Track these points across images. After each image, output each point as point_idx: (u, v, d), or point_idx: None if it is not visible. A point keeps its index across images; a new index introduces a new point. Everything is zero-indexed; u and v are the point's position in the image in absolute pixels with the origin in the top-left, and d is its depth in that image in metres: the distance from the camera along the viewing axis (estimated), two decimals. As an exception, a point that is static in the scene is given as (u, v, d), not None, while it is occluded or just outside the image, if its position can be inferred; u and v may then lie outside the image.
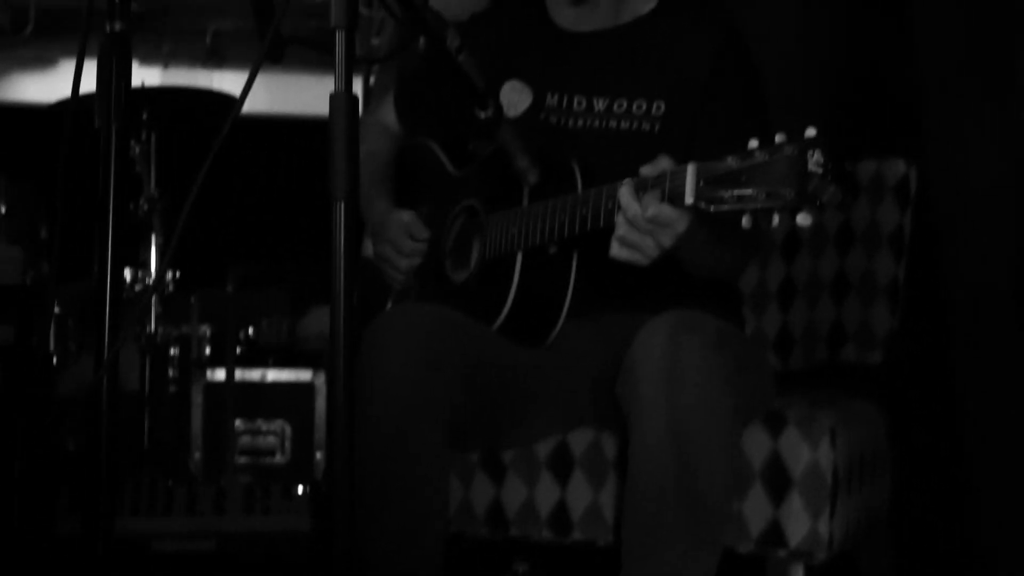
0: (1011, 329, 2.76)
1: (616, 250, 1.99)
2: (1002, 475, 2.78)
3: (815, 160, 1.77)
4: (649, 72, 2.34)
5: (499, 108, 2.11)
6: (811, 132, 1.79)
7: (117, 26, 1.84)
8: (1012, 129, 2.68)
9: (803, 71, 3.10)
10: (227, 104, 3.75)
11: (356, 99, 1.64)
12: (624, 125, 2.33)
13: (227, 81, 7.56)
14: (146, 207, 3.59)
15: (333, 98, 1.63)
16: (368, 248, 2.58)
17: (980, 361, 2.78)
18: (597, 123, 2.35)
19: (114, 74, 1.83)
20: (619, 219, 1.98)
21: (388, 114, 2.66)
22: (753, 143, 1.84)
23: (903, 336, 2.56)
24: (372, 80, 3.40)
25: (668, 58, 2.34)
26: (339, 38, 1.63)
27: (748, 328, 2.65)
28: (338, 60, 1.63)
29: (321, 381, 3.53)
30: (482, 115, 2.11)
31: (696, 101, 2.29)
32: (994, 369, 2.76)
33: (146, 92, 3.71)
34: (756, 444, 2.17)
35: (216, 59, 7.11)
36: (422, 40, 2.06)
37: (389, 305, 2.51)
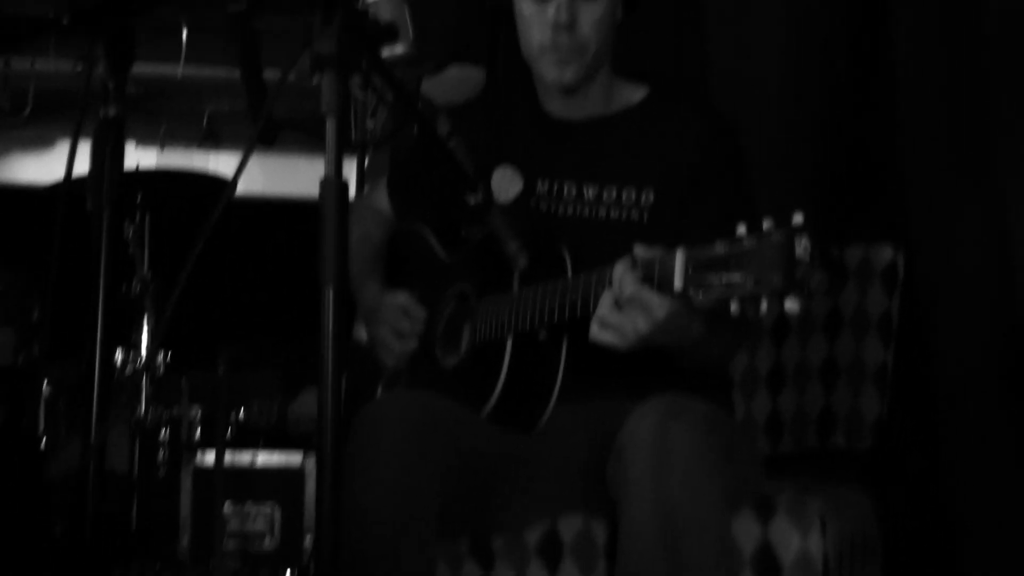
0: (997, 413, 2.76)
1: (596, 332, 2.01)
2: (992, 560, 2.77)
3: (802, 246, 1.79)
4: (639, 161, 2.36)
5: (489, 193, 2.13)
6: (798, 218, 1.80)
7: (111, 111, 1.86)
8: (994, 215, 2.70)
9: (790, 158, 3.14)
10: (220, 187, 3.78)
11: (346, 185, 1.66)
12: (614, 214, 2.35)
13: (223, 162, 7.61)
14: (138, 288, 3.60)
15: (323, 184, 1.65)
16: (359, 332, 2.58)
17: (968, 446, 2.78)
18: (587, 211, 2.37)
19: (107, 159, 1.85)
20: (602, 300, 1.99)
21: (381, 198, 2.68)
22: (741, 229, 1.85)
23: (892, 421, 2.56)
24: (366, 163, 3.43)
25: (658, 147, 2.36)
26: (330, 124, 1.65)
27: (738, 413, 2.65)
28: (329, 146, 1.65)
29: (311, 464, 3.51)
30: (472, 200, 2.12)
31: (685, 190, 2.31)
32: (981, 454, 2.76)
33: (140, 175, 3.73)
34: (746, 532, 2.16)
35: (212, 140, 7.17)
36: (415, 126, 2.08)
37: (380, 390, 2.51)
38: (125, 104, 1.86)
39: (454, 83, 3.73)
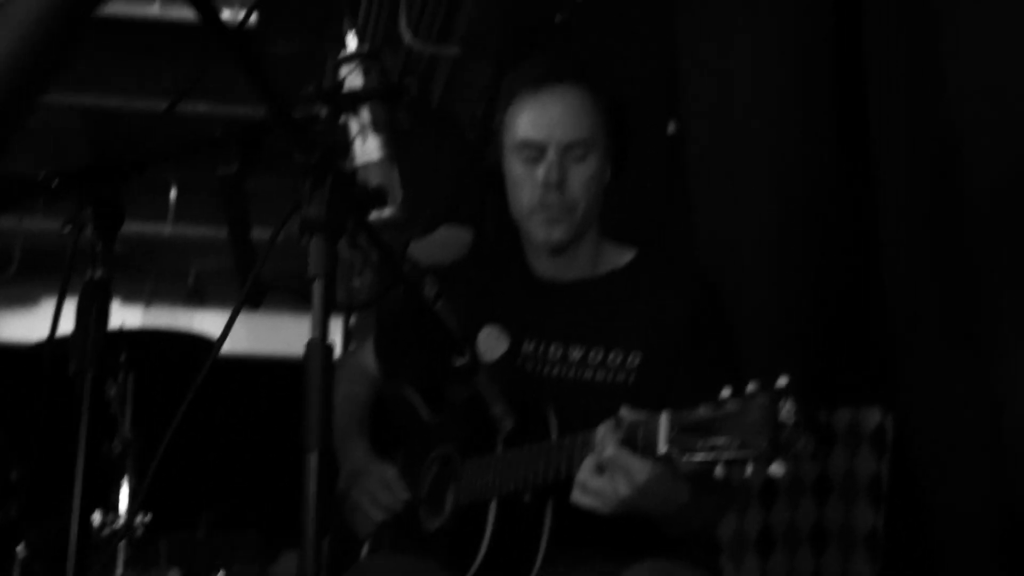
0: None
1: (577, 496, 2.00)
2: None
3: (787, 409, 1.78)
4: (626, 324, 2.36)
5: (475, 355, 2.12)
6: (782, 381, 1.80)
7: (98, 273, 1.85)
8: (983, 380, 2.69)
9: (777, 320, 3.14)
10: (205, 347, 3.76)
11: (332, 349, 1.64)
12: (600, 376, 2.34)
13: (208, 320, 7.63)
14: (120, 448, 3.56)
15: (309, 347, 1.63)
16: (340, 490, 2.55)
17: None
18: (573, 372, 2.37)
19: (92, 321, 1.84)
20: (584, 464, 1.98)
21: (367, 357, 2.67)
22: (725, 392, 1.86)
23: (884, 587, 2.53)
24: (352, 321, 3.44)
25: (645, 311, 2.36)
26: (317, 287, 1.65)
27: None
28: (316, 309, 1.64)
29: (292, 629, 3.44)
30: (458, 362, 2.11)
31: (672, 354, 2.31)
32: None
33: (124, 334, 3.72)
34: None
35: (198, 298, 7.21)
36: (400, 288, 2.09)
37: (365, 549, 2.47)
38: (112, 267, 1.86)
39: (442, 243, 3.76)
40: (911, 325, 2.90)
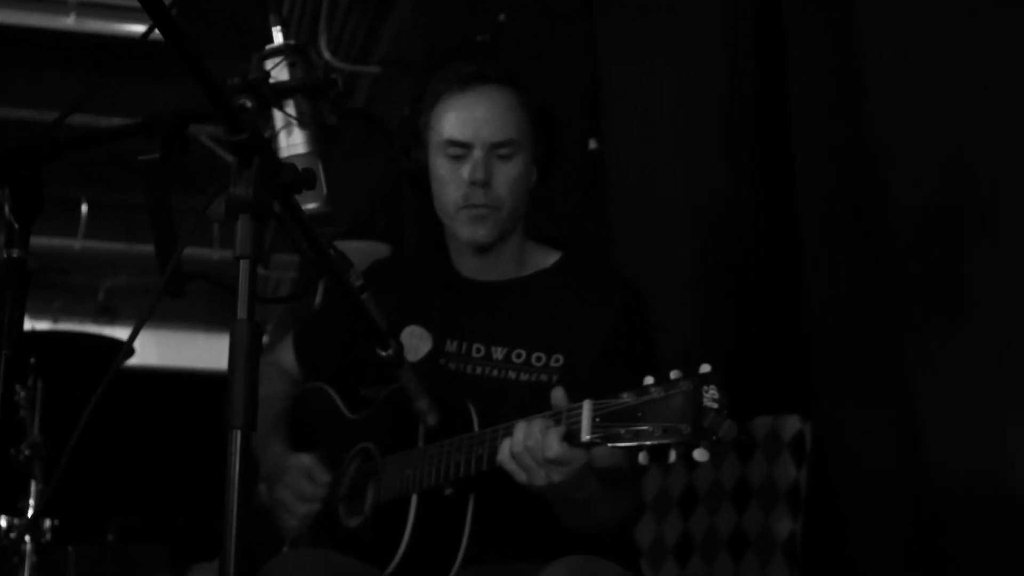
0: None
1: (505, 456, 1.99)
2: None
3: (710, 395, 1.79)
4: (549, 325, 2.36)
5: (400, 347, 2.10)
6: (705, 368, 1.82)
7: (15, 253, 1.81)
8: (901, 390, 2.72)
9: (697, 330, 3.16)
10: (115, 349, 3.69)
11: (259, 328, 1.62)
12: (523, 376, 2.33)
13: (119, 337, 7.53)
14: (27, 453, 3.48)
15: (236, 326, 1.60)
16: (261, 495, 2.51)
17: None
18: (495, 372, 2.36)
19: (9, 301, 1.80)
20: (517, 434, 1.97)
21: (287, 356, 2.64)
22: (649, 379, 1.86)
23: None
24: (269, 329, 3.40)
25: (569, 313, 2.36)
26: (243, 267, 1.62)
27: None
28: (242, 289, 1.61)
29: (201, 639, 3.38)
30: (383, 354, 2.09)
31: (595, 356, 2.31)
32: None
33: (34, 336, 3.65)
34: None
35: (108, 315, 7.09)
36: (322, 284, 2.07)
37: (285, 550, 2.43)
38: (28, 249, 1.82)
39: (360, 256, 3.74)
40: (830, 335, 2.93)
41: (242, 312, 1.61)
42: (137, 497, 4.85)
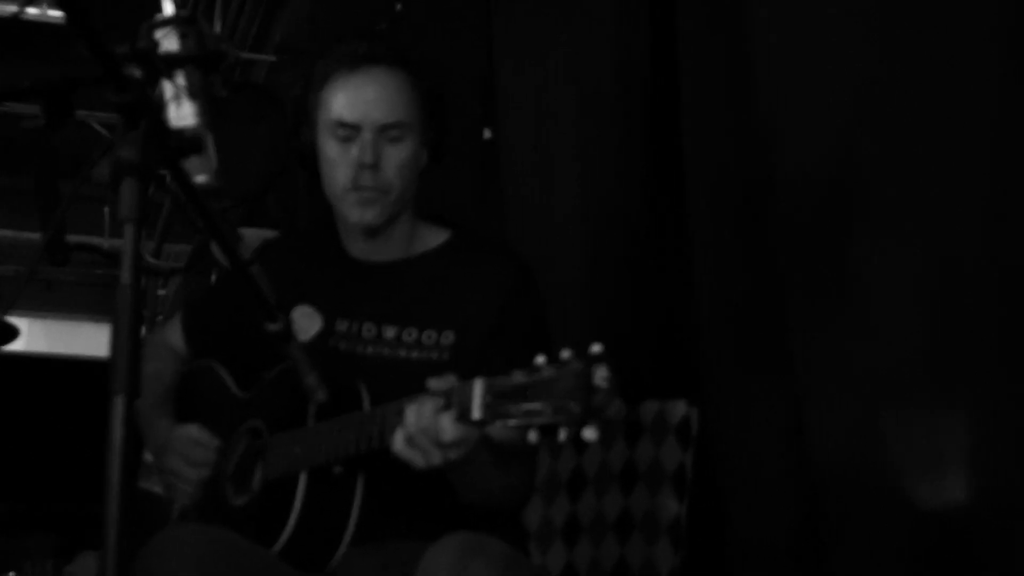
0: (786, 571, 2.79)
1: (400, 445, 1.98)
2: None
3: (600, 375, 1.80)
4: (439, 303, 2.36)
5: (289, 321, 2.09)
6: (596, 348, 1.82)
7: None
8: (787, 378, 2.77)
9: (586, 316, 3.18)
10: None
11: (142, 293, 1.60)
12: (414, 355, 2.33)
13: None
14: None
15: (119, 290, 1.59)
16: (146, 482, 2.48)
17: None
18: (387, 351, 2.35)
19: None
20: (408, 418, 1.96)
21: (174, 335, 2.61)
22: (540, 359, 1.86)
23: (686, 574, 2.56)
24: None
25: (459, 290, 2.36)
26: (128, 231, 1.60)
27: (530, 555, 2.61)
28: (126, 252, 1.60)
29: (84, 625, 3.33)
30: (272, 328, 2.08)
31: (485, 332, 2.31)
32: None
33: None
34: (541, 674, 2.12)
35: (-6, 304, 6.94)
36: (215, 250, 2.05)
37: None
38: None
39: (252, 243, 3.71)
40: (718, 321, 2.96)
41: (125, 277, 1.60)
42: (22, 484, 4.76)
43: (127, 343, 1.57)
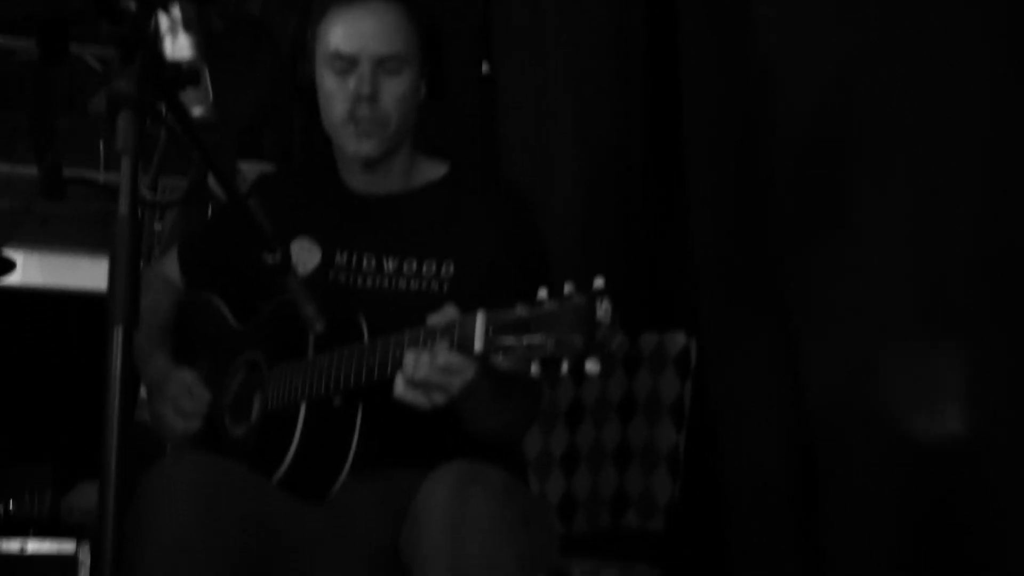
0: (779, 503, 2.81)
1: (401, 390, 1.98)
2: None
3: (603, 309, 1.80)
4: (439, 234, 2.36)
5: (287, 253, 2.08)
6: (599, 282, 1.82)
7: None
8: (782, 308, 2.78)
9: (583, 246, 3.18)
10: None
11: (141, 224, 1.60)
12: (413, 286, 2.33)
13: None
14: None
15: (118, 221, 1.59)
16: (142, 414, 2.49)
17: (752, 532, 2.82)
18: (386, 283, 2.35)
19: None
20: (407, 361, 1.97)
21: (171, 268, 2.61)
22: (542, 293, 1.87)
23: (683, 504, 2.58)
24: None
25: (458, 221, 2.36)
26: (125, 163, 1.60)
27: (528, 483, 2.63)
28: (124, 183, 1.59)
29: (85, 553, 3.36)
30: (270, 260, 2.07)
31: (485, 264, 2.31)
32: (764, 540, 2.81)
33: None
34: (540, 602, 2.14)
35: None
36: (211, 183, 2.04)
37: None
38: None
39: (247, 178, 3.70)
40: (715, 255, 2.97)
41: (124, 208, 1.60)
42: (19, 416, 4.78)
43: (126, 274, 1.57)
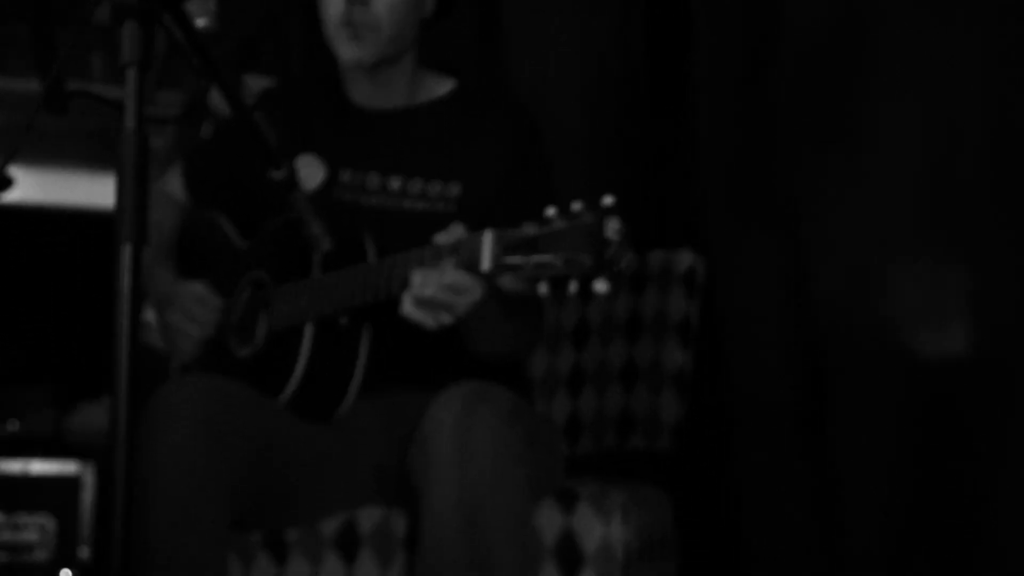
0: (786, 422, 2.81)
1: (409, 308, 1.96)
2: (773, 560, 2.82)
3: (612, 227, 1.78)
4: (445, 154, 2.33)
5: (292, 169, 2.05)
6: (608, 200, 1.80)
7: None
8: (789, 225, 2.76)
9: (588, 166, 3.15)
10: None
11: (147, 139, 1.57)
12: (419, 206, 2.31)
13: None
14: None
15: (124, 137, 1.56)
16: (148, 336, 2.47)
17: (759, 452, 2.83)
18: (391, 202, 2.32)
19: None
20: (415, 279, 1.94)
21: (174, 184, 2.58)
22: (551, 210, 1.84)
23: (690, 423, 2.57)
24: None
25: (465, 141, 2.33)
26: (130, 75, 1.57)
27: (534, 402, 2.62)
28: (129, 97, 1.56)
29: (89, 474, 3.35)
30: (275, 176, 2.04)
31: (492, 184, 2.28)
32: (772, 459, 2.81)
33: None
34: (549, 521, 2.14)
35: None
36: (213, 99, 2.01)
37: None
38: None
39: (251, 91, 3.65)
40: (721, 171, 2.95)
41: (130, 122, 1.57)
42: (18, 337, 4.75)
43: (133, 191, 1.55)
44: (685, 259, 2.64)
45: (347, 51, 2.29)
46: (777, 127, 2.81)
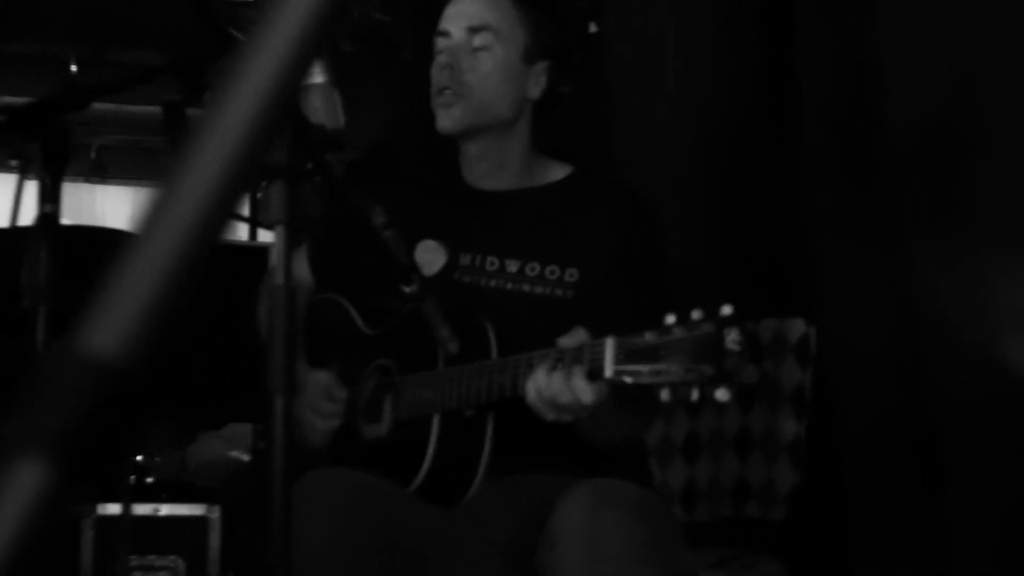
0: (901, 490, 2.83)
1: (533, 398, 2.04)
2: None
3: (732, 338, 1.83)
4: (561, 239, 2.37)
5: (424, 283, 2.13)
6: (727, 310, 1.84)
7: (47, 208, 1.84)
8: (901, 291, 2.78)
9: (702, 238, 3.18)
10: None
11: (295, 292, 1.66)
12: (538, 290, 2.35)
13: (110, 195, 7.51)
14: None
15: (272, 291, 1.64)
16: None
17: (874, 521, 2.85)
18: (510, 285, 2.38)
19: (43, 254, 1.84)
20: (539, 375, 2.02)
21: (300, 267, 2.66)
22: (670, 318, 1.89)
23: (805, 493, 2.61)
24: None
25: (581, 225, 2.37)
26: (278, 233, 1.65)
27: (654, 480, 2.68)
28: (277, 254, 1.65)
29: (215, 515, 3.47)
30: (407, 290, 2.13)
31: (608, 270, 2.32)
32: (887, 531, 2.83)
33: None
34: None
35: (100, 173, 7.07)
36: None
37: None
38: (59, 203, 1.85)
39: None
40: (832, 241, 2.97)
41: (279, 277, 1.65)
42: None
43: (283, 343, 1.63)
44: (798, 328, 2.68)
45: (440, 119, 2.38)
46: (884, 197, 2.83)
